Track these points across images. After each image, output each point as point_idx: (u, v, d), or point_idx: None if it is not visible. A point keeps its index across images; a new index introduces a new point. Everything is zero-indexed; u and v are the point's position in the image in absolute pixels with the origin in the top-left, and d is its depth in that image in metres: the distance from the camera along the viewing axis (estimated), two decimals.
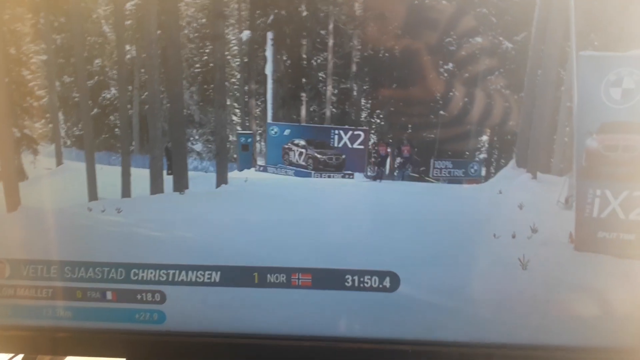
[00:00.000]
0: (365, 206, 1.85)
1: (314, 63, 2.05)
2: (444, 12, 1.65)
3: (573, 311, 1.42)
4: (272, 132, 2.13)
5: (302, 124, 2.13)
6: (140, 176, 2.36)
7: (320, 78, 2.07)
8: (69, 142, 2.15)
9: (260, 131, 2.20)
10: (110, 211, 2.09)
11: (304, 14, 1.95)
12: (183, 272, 1.55)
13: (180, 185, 2.19)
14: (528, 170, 1.81)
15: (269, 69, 2.06)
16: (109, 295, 1.59)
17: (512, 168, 1.88)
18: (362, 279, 1.51)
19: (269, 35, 2.02)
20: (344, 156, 2.14)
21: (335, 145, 2.10)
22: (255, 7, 2.01)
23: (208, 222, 1.93)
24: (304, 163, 2.17)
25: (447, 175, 2.05)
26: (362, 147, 2.11)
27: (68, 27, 2.03)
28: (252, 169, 2.23)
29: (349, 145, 2.12)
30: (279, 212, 1.92)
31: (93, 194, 2.16)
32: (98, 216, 2.08)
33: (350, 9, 1.95)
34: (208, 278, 1.51)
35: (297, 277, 1.52)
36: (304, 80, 2.06)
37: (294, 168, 2.17)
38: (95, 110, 2.15)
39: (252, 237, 1.79)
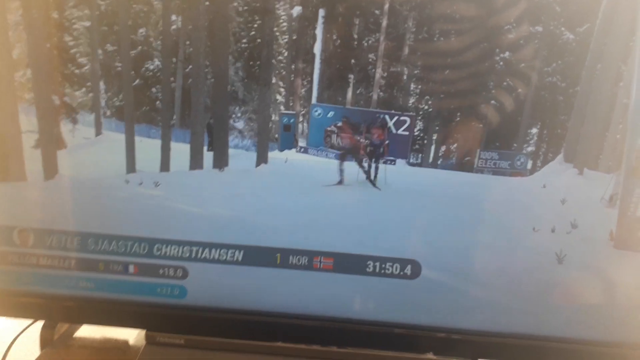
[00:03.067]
0: (402, 194, 1.83)
1: (365, 44, 1.99)
2: None
3: (605, 307, 1.41)
4: (316, 113, 2.09)
5: (347, 107, 2.09)
6: (180, 151, 2.34)
7: (370, 60, 2.01)
8: (108, 113, 2.11)
9: (303, 112, 2.15)
10: (148, 184, 2.07)
11: None
12: (207, 250, 1.54)
13: (220, 162, 2.15)
14: (575, 165, 1.78)
15: (317, 48, 2.00)
16: (131, 268, 1.58)
17: (559, 163, 1.85)
18: (383, 265, 1.50)
19: (321, 12, 1.95)
20: (387, 141, 2.10)
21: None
22: None
23: (244, 201, 1.92)
24: (345, 146, 2.13)
25: (493, 166, 2.01)
26: (407, 133, 2.07)
27: None
28: (293, 150, 2.20)
29: (394, 131, 2.08)
30: (313, 195, 1.91)
31: (131, 166, 2.14)
32: (135, 189, 2.06)
33: None
34: (231, 256, 1.50)
35: (319, 260, 1.50)
36: (353, 61, 2.01)
37: (336, 151, 2.14)
38: (137, 81, 2.10)
39: (284, 219, 1.78)
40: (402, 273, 1.48)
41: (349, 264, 1.50)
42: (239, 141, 2.24)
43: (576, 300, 1.47)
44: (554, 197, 1.56)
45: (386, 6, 1.93)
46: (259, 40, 1.99)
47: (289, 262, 1.51)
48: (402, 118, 2.04)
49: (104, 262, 1.61)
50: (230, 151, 2.18)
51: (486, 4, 1.60)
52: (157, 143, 2.16)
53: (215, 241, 1.56)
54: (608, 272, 1.50)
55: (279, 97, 2.17)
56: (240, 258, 1.54)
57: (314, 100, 2.11)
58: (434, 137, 2.07)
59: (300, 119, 2.16)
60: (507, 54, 1.74)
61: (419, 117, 2.09)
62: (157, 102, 2.12)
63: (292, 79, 2.15)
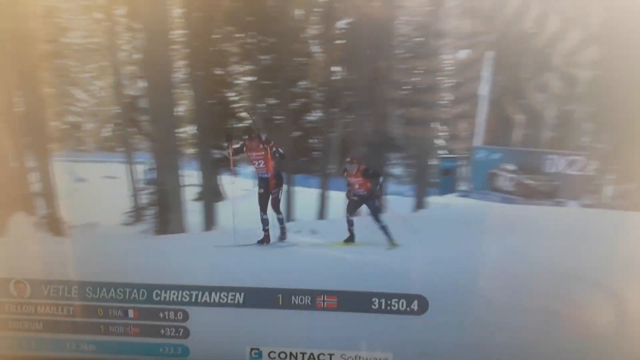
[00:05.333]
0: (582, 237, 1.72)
1: (534, 84, 1.91)
2: None
3: None
4: (480, 156, 2.02)
5: (513, 148, 2.01)
6: (335, 198, 2.32)
7: (539, 99, 1.93)
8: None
9: (463, 155, 2.09)
10: (305, 232, 2.06)
11: (530, 32, 1.81)
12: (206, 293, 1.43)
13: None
14: None
15: (483, 90, 1.94)
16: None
17: None
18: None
19: (487, 54, 1.90)
20: (557, 183, 1.99)
21: (548, 171, 1.96)
22: (477, 26, 1.88)
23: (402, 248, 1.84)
24: (511, 189, 2.04)
25: None
26: (579, 173, 1.96)
27: (276, 47, 1.97)
28: (454, 194, 2.13)
29: (564, 171, 1.97)
30: (479, 242, 1.82)
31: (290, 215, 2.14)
32: (293, 236, 2.05)
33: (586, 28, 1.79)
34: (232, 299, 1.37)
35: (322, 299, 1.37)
36: (521, 101, 1.93)
37: (501, 194, 2.05)
38: (296, 132, 2.09)
39: (447, 267, 1.69)
40: None
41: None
42: (395, 187, 2.19)
43: None
44: None
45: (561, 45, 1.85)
46: (420, 85, 1.95)
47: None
48: (574, 157, 1.94)
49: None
50: (388, 197, 2.14)
51: None
52: (313, 192, 2.15)
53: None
54: None
55: (438, 141, 2.11)
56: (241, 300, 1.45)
57: (477, 143, 2.04)
58: (610, 177, 1.95)
59: (461, 162, 2.10)
60: None
61: (592, 157, 1.97)
62: (314, 152, 2.11)
63: (453, 122, 2.09)
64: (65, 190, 2.16)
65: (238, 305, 1.38)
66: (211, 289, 1.38)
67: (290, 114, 2.00)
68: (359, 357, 1.30)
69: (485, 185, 2.05)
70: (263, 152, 1.73)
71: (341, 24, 1.91)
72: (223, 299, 1.38)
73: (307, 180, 2.11)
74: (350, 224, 1.88)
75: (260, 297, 1.38)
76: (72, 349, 1.42)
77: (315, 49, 1.96)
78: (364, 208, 1.94)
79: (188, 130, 2.09)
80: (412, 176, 2.13)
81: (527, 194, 2.00)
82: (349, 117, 1.96)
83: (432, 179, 2.07)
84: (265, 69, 2.00)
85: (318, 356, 1.32)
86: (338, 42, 1.93)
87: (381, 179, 1.83)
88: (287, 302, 1.40)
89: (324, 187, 2.14)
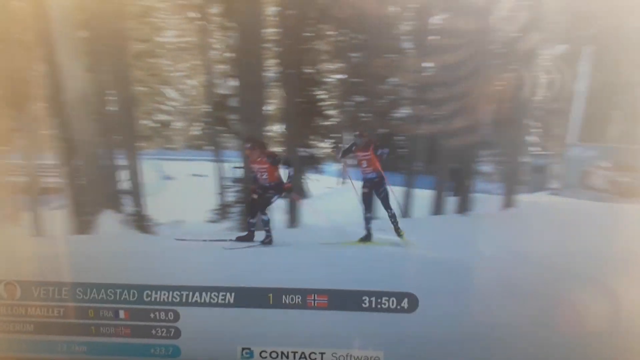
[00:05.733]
0: None
1: (636, 78, 1.87)
2: None
3: None
4: (574, 153, 1.98)
5: (610, 145, 1.97)
6: (420, 197, 2.31)
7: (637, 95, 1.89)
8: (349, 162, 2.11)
9: (556, 152, 2.05)
10: (390, 231, 2.04)
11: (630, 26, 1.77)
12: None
13: (464, 206, 2.10)
14: None
15: (579, 86, 1.91)
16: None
17: None
18: None
19: (586, 49, 1.86)
20: None
21: None
22: (576, 21, 1.85)
23: (492, 246, 1.81)
24: (606, 187, 2.00)
25: None
26: None
27: (366, 44, 1.98)
28: (544, 192, 2.10)
29: None
30: (569, 241, 1.78)
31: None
32: (376, 234, 2.04)
33: None
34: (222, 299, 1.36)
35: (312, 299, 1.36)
36: (618, 97, 1.89)
37: (594, 192, 2.01)
38: (383, 130, 2.08)
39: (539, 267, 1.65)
40: None
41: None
42: (485, 185, 2.16)
43: None
44: None
45: None
46: (513, 81, 1.92)
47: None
48: None
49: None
50: (476, 195, 2.12)
51: None
52: (398, 190, 2.13)
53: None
54: None
55: (530, 138, 2.08)
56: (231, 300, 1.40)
57: (572, 139, 2.01)
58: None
59: (554, 159, 2.06)
60: None
61: None
62: (400, 150, 2.09)
63: (546, 119, 2.05)
64: (152, 187, 2.19)
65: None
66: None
67: (379, 111, 2.00)
68: (350, 356, 1.31)
69: (578, 183, 2.01)
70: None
71: (435, 19, 1.90)
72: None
73: (391, 178, 2.10)
74: (367, 221, 1.86)
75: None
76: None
77: (407, 45, 1.95)
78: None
79: (276, 128, 2.11)
80: (501, 174, 2.10)
81: (622, 193, 1.96)
82: (436, 113, 1.95)
83: (522, 177, 2.04)
84: (356, 66, 2.00)
85: (309, 355, 1.33)
86: (431, 37, 1.92)
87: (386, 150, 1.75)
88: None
89: (410, 185, 2.13)
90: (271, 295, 1.35)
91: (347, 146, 1.83)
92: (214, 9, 1.96)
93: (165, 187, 2.34)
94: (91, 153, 2.01)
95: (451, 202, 2.17)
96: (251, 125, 2.06)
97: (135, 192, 2.16)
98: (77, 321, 1.35)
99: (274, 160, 1.78)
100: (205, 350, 1.34)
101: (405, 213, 2.14)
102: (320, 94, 2.08)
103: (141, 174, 2.15)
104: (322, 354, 1.32)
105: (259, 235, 1.88)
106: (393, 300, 1.33)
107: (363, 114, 2.04)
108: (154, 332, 1.35)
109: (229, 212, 2.18)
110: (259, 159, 1.76)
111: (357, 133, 1.81)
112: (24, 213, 2.13)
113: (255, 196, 1.81)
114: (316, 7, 1.92)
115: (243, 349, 1.33)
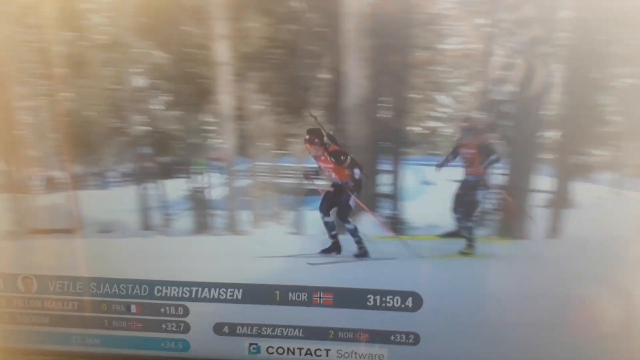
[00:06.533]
0: None
1: None
2: None
3: None
4: None
5: None
6: None
7: None
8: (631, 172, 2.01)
9: None
10: None
11: None
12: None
13: None
14: None
15: None
16: None
17: None
18: None
19: None
20: None
21: None
22: None
23: None
24: None
25: None
26: None
27: None
28: None
29: None
30: None
31: None
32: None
33: None
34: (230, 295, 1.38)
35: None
36: None
37: None
38: None
39: None
40: None
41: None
42: None
43: None
44: None
45: None
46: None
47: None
48: None
49: None
50: None
51: None
52: None
53: None
54: None
55: None
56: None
57: None
58: None
59: None
60: None
61: None
62: None
63: None
64: (411, 192, 2.22)
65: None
66: None
67: None
68: (355, 353, 1.28)
69: None
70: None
71: None
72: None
73: None
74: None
75: None
76: None
77: None
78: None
79: (550, 134, 2.04)
80: None
81: None
82: None
83: None
84: None
85: (315, 351, 1.32)
86: None
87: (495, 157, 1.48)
88: None
89: None
90: (278, 292, 1.35)
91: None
92: (502, 15, 1.90)
93: (424, 192, 2.35)
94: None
95: None
96: (524, 131, 2.02)
97: (394, 196, 2.18)
98: None
99: (338, 161, 1.54)
100: (213, 345, 1.37)
101: None
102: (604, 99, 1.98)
103: (402, 179, 2.17)
104: (327, 350, 1.34)
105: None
106: None
107: None
108: None
109: (485, 218, 2.16)
110: (323, 157, 1.46)
111: (465, 123, 1.55)
112: (288, 213, 2.24)
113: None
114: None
115: (250, 344, 1.36)
